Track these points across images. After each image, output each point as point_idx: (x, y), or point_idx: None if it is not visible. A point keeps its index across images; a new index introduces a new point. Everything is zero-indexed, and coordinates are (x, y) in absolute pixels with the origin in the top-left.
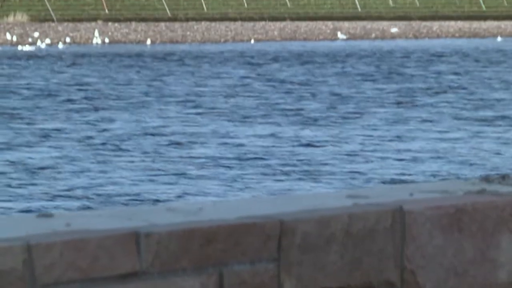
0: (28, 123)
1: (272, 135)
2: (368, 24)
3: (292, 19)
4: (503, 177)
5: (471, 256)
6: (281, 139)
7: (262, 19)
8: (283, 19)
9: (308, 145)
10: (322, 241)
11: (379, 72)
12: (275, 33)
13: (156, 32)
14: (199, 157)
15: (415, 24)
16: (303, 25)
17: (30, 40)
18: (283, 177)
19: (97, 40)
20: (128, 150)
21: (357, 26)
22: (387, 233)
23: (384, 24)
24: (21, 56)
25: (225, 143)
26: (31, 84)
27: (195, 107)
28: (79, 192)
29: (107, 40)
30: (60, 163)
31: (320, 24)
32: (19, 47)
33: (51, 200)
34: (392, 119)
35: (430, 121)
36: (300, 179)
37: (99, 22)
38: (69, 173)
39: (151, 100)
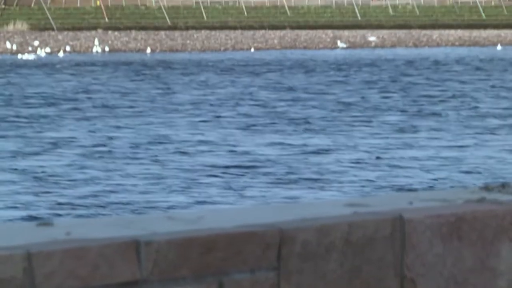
0: (37, 131)
1: (280, 143)
2: (368, 33)
3: (292, 28)
4: (503, 186)
5: (471, 264)
6: (289, 147)
7: (262, 27)
8: (283, 27)
9: (316, 153)
10: (322, 249)
11: (382, 80)
12: (275, 41)
13: (156, 40)
14: (207, 166)
15: (415, 32)
16: (303, 34)
17: (30, 48)
18: (291, 186)
19: (97, 48)
20: (136, 158)
21: (357, 34)
22: (387, 242)
23: (384, 32)
24: (23, 64)
25: (233, 151)
26: (39, 93)
27: (202, 115)
28: (87, 201)
29: (107, 49)
30: (68, 172)
31: (320, 32)
32: (19, 56)
33: (59, 209)
34: (399, 127)
35: (437, 130)
36: (308, 187)
37: (99, 30)
38: (77, 181)
39: (157, 108)
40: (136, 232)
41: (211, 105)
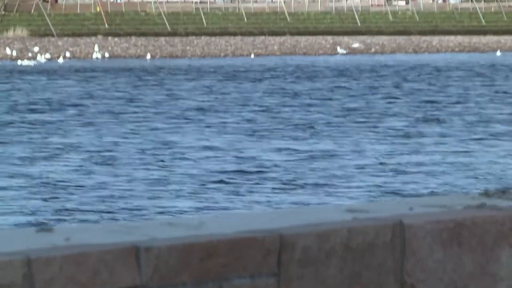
0: (43, 137)
1: (286, 149)
2: (368, 39)
3: (292, 34)
4: (503, 192)
5: (471, 270)
6: (295, 153)
7: (262, 33)
8: (283, 33)
9: (321, 158)
10: (322, 255)
11: (385, 86)
12: (275, 47)
13: (156, 46)
14: (214, 171)
15: (415, 38)
16: (303, 40)
17: (30, 54)
18: (298, 191)
19: (97, 54)
20: (143, 164)
21: (357, 40)
22: (387, 247)
23: (384, 38)
24: (24, 70)
25: (239, 157)
26: (44, 99)
27: (207, 121)
28: (94, 206)
29: (107, 55)
30: (75, 177)
31: (320, 38)
32: (19, 62)
33: (66, 214)
34: (404, 132)
35: (442, 135)
36: (315, 193)
37: (99, 36)
38: (84, 187)
39: (162, 113)
40: (136, 238)
41: (216, 111)
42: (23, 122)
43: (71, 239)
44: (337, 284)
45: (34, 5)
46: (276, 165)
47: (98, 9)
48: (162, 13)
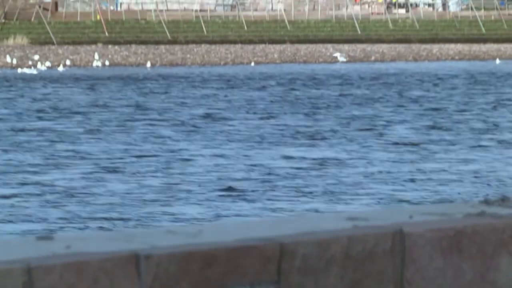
0: (51, 145)
1: (295, 156)
2: (368, 47)
3: (292, 42)
4: (503, 200)
5: (471, 278)
6: (304, 160)
7: (262, 41)
8: (283, 41)
9: (330, 166)
10: (322, 263)
11: (389, 94)
12: (275, 55)
13: (156, 54)
14: (223, 179)
15: (415, 46)
16: (303, 48)
17: (30, 62)
18: (307, 199)
19: (97, 62)
20: (153, 171)
21: (357, 48)
22: (387, 256)
23: (384, 46)
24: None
25: (248, 165)
26: (51, 106)
27: (216, 128)
28: (104, 214)
29: (107, 63)
30: (85, 185)
31: (320, 46)
32: (19, 70)
33: (76, 222)
34: (411, 140)
35: (450, 143)
36: (325, 200)
37: (99, 44)
38: (94, 194)
39: (170, 121)
40: (136, 246)
41: (223, 118)
42: (31, 130)
43: (72, 247)
44: None
45: (34, 13)
46: (285, 173)
47: (98, 17)
48: (162, 21)
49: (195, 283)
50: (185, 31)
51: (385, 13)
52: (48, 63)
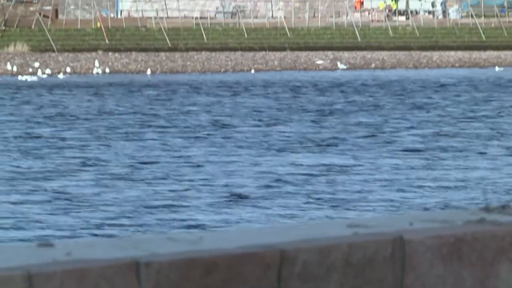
0: (60, 152)
1: (304, 163)
2: (368, 54)
3: (292, 49)
4: (503, 207)
5: (471, 285)
6: (313, 167)
7: (262, 49)
8: (283, 49)
9: (340, 173)
10: (322, 270)
11: (394, 101)
12: (275, 63)
13: (156, 62)
14: (232, 186)
15: (415, 54)
16: (303, 55)
17: (30, 70)
18: (318, 205)
19: (97, 70)
20: (164, 178)
21: (357, 56)
22: (387, 262)
23: (384, 54)
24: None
25: (257, 171)
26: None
27: (223, 135)
28: (116, 221)
29: (107, 70)
30: (95, 191)
31: (320, 54)
32: (19, 77)
33: (87, 228)
34: (419, 147)
35: (459, 150)
36: (335, 206)
37: (100, 52)
38: (105, 201)
39: (178, 128)
40: (137, 253)
41: (230, 125)
42: (39, 136)
43: (72, 254)
44: None
45: (34, 21)
46: (293, 179)
47: (98, 24)
48: (163, 29)
49: None
50: (185, 39)
51: (385, 20)
52: (48, 70)
